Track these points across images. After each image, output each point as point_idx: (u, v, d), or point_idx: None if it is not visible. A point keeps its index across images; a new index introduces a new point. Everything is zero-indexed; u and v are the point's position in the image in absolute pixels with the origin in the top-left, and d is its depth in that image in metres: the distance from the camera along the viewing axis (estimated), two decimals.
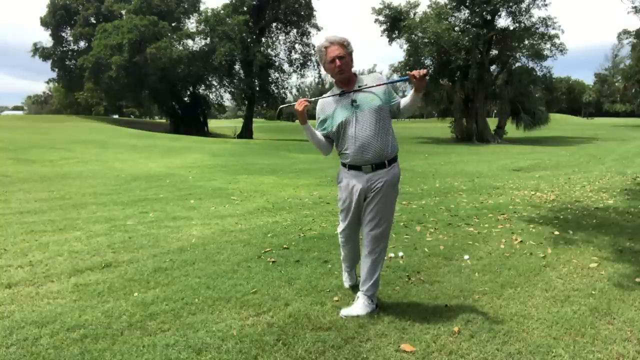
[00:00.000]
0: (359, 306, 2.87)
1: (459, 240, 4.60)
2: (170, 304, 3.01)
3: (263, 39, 38.52)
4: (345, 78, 2.83)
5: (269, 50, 38.56)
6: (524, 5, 26.84)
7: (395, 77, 32.63)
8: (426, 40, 26.53)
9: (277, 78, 40.06)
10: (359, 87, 2.81)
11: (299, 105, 2.76)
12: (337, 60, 2.75)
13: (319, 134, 2.93)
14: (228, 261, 3.94)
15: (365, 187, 2.81)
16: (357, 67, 2.69)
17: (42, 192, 7.64)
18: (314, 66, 39.37)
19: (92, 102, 52.83)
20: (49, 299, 3.10)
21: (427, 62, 29.11)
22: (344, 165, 2.90)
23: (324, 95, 2.98)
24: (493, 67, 29.35)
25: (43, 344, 2.49)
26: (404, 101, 2.88)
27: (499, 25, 27.93)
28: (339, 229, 3.11)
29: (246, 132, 38.30)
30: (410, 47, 27.89)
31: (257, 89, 39.28)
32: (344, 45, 2.77)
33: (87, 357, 2.37)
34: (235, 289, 3.28)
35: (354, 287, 3.18)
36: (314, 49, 39.89)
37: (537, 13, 46.94)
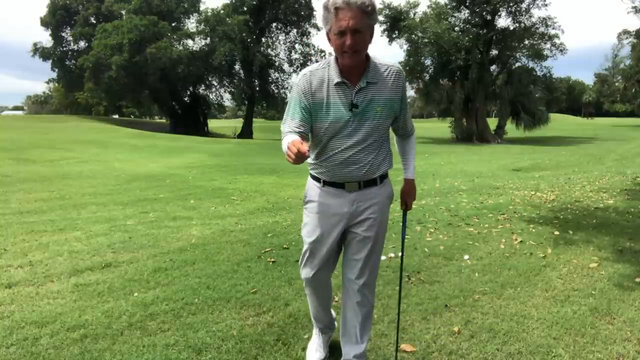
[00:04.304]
0: None
1: (459, 240, 4.60)
2: (170, 304, 3.01)
3: (263, 39, 38.61)
4: (354, 62, 1.82)
5: (269, 50, 38.70)
6: (524, 5, 26.96)
7: None
8: (426, 40, 26.64)
9: (277, 78, 40.25)
10: (367, 83, 1.87)
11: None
12: (349, 36, 1.73)
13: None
14: (228, 261, 3.94)
15: (349, 212, 2.02)
16: None
17: (42, 192, 7.65)
18: None
19: (92, 102, 52.86)
20: (49, 299, 3.10)
21: (427, 62, 29.19)
22: (316, 179, 2.07)
23: (313, 68, 1.94)
24: (493, 67, 29.43)
25: (43, 344, 2.49)
26: (400, 144, 2.25)
27: (499, 25, 27.99)
28: (304, 273, 2.18)
29: (246, 132, 38.35)
30: (411, 47, 27.99)
31: (257, 89, 39.41)
32: (367, 12, 1.73)
33: (87, 357, 2.37)
34: (235, 289, 3.28)
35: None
36: (314, 49, 39.79)
37: (537, 13, 47.07)
